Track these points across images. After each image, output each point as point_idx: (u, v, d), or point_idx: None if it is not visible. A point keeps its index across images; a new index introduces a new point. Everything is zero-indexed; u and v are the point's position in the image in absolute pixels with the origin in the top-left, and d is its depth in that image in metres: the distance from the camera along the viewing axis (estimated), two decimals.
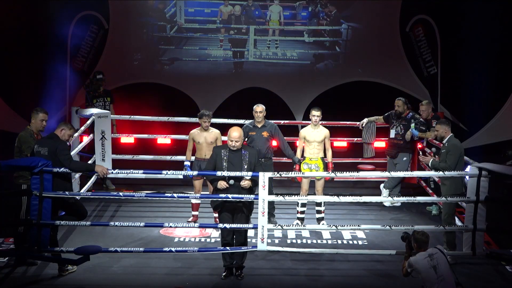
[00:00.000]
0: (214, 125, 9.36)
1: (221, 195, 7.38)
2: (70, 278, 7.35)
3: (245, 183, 7.37)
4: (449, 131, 8.05)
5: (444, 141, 8.06)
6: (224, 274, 7.43)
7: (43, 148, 7.38)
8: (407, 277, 6.63)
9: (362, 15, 13.87)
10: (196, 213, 9.28)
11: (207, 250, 7.80)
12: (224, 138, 9.58)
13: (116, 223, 7.85)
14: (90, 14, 13.48)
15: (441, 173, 8.12)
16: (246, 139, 9.27)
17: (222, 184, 7.32)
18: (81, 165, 8.06)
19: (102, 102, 11.21)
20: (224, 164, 7.36)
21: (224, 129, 9.35)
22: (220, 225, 7.47)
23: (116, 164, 10.38)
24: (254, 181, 7.44)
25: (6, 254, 7.80)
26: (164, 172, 7.72)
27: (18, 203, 7.74)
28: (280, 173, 7.97)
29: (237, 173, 7.36)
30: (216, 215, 9.07)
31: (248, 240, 8.30)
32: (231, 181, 7.33)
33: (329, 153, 9.24)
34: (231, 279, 7.40)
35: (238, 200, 7.39)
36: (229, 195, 7.37)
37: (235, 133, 7.35)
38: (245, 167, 7.38)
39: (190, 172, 8.19)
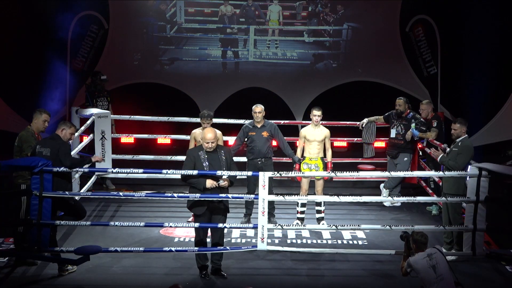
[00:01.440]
0: (214, 125, 9.35)
1: (221, 195, 7.37)
2: (70, 278, 7.35)
3: (225, 183, 7.35)
4: (465, 132, 8.07)
5: (458, 140, 8.05)
6: (202, 274, 7.42)
7: (45, 149, 7.38)
8: (407, 277, 6.64)
9: (362, 15, 13.88)
10: None
11: (207, 250, 7.79)
12: (226, 138, 9.63)
13: (116, 223, 7.84)
14: (90, 14, 13.49)
15: (441, 173, 8.12)
16: (246, 139, 9.27)
17: (213, 183, 7.28)
18: (79, 161, 8.00)
19: (105, 102, 11.20)
20: (205, 165, 7.35)
21: (224, 129, 9.36)
22: (220, 225, 7.46)
23: (116, 164, 10.37)
24: (231, 181, 7.42)
25: (6, 254, 7.80)
26: (164, 171, 7.71)
27: (17, 203, 7.75)
28: (280, 173, 7.97)
29: (237, 173, 7.37)
30: None
31: (248, 240, 8.31)
32: (221, 181, 7.31)
33: (329, 153, 9.24)
34: (230, 279, 7.40)
35: (219, 200, 7.36)
36: (229, 195, 7.37)
37: (210, 135, 7.34)
38: (224, 167, 7.37)
39: (190, 172, 8.17)
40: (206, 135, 7.33)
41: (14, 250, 7.81)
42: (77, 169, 7.81)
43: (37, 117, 7.87)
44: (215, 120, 9.73)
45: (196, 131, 9.15)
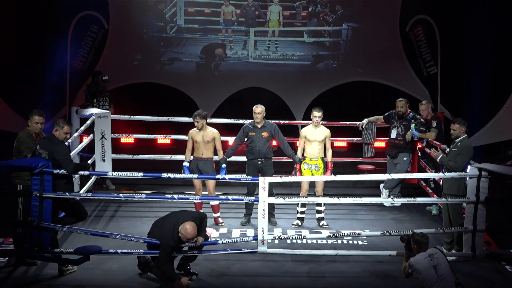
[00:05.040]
0: (214, 125, 9.35)
1: (221, 196, 7.37)
2: (70, 278, 7.35)
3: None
4: (465, 132, 8.07)
5: (457, 140, 8.05)
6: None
7: (44, 152, 7.35)
8: (408, 278, 6.64)
9: (362, 15, 13.88)
10: None
11: (206, 252, 7.78)
12: (225, 138, 9.60)
13: (118, 236, 7.68)
14: (90, 14, 13.49)
15: (441, 174, 8.12)
16: (246, 139, 9.27)
17: (187, 281, 7.17)
18: (80, 166, 7.98)
19: (107, 102, 11.18)
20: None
21: (224, 129, 9.36)
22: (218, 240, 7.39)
23: (116, 164, 10.37)
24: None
25: (6, 254, 7.80)
26: (164, 174, 7.69)
27: (14, 203, 7.75)
28: (280, 176, 7.97)
29: (237, 176, 7.35)
30: (216, 215, 9.12)
31: (248, 241, 8.30)
32: (194, 277, 7.30)
33: (329, 153, 9.24)
34: (231, 279, 7.40)
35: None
36: (230, 197, 7.36)
37: (191, 234, 7.19)
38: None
39: (189, 176, 8.16)
40: (188, 233, 7.16)
41: (15, 250, 7.80)
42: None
43: (30, 120, 7.87)
44: (215, 120, 9.75)
45: (193, 131, 9.15)
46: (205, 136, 9.06)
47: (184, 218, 7.21)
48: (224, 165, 9.00)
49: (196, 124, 9.04)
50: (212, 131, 9.11)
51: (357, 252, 8.16)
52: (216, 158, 9.18)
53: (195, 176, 8.05)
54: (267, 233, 7.65)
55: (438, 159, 8.18)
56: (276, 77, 13.99)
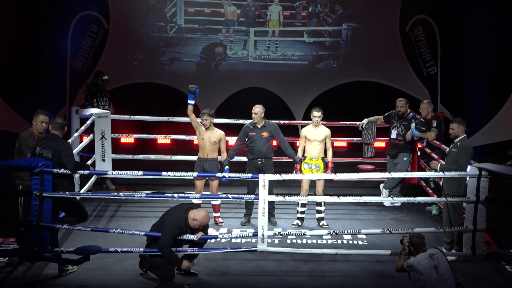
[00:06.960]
0: (215, 125, 9.34)
1: (221, 195, 7.37)
2: (70, 278, 7.35)
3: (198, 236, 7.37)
4: (464, 131, 8.05)
5: (456, 140, 8.04)
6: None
7: (46, 151, 7.35)
8: (407, 278, 6.65)
9: (362, 15, 13.89)
10: None
11: (206, 251, 7.78)
12: (226, 138, 9.59)
13: (117, 230, 7.70)
14: (90, 14, 13.50)
15: (441, 173, 8.11)
16: (247, 139, 9.27)
17: (189, 266, 7.24)
18: (81, 166, 8.00)
19: (107, 102, 11.18)
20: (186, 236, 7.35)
21: (223, 129, 9.36)
22: (220, 231, 7.43)
23: (116, 164, 10.37)
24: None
25: (6, 254, 7.79)
26: (164, 173, 7.70)
27: (15, 204, 7.75)
28: (280, 174, 7.97)
29: (237, 175, 7.35)
30: (216, 214, 9.12)
31: (249, 240, 8.30)
32: (190, 280, 7.27)
33: (330, 153, 9.24)
34: (231, 279, 7.40)
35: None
36: (229, 195, 7.37)
37: (200, 219, 7.22)
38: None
39: (190, 174, 8.13)
40: (200, 217, 7.20)
41: (15, 250, 7.80)
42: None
43: (35, 119, 7.87)
44: (215, 120, 9.68)
45: (202, 128, 9.12)
46: (212, 137, 9.06)
47: (193, 206, 7.29)
48: (227, 167, 8.99)
49: (204, 122, 9.03)
50: (219, 133, 9.12)
51: (357, 251, 8.16)
52: (219, 158, 9.19)
53: (195, 174, 8.02)
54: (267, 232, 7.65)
55: (437, 169, 8.11)
56: (276, 77, 13.99)
